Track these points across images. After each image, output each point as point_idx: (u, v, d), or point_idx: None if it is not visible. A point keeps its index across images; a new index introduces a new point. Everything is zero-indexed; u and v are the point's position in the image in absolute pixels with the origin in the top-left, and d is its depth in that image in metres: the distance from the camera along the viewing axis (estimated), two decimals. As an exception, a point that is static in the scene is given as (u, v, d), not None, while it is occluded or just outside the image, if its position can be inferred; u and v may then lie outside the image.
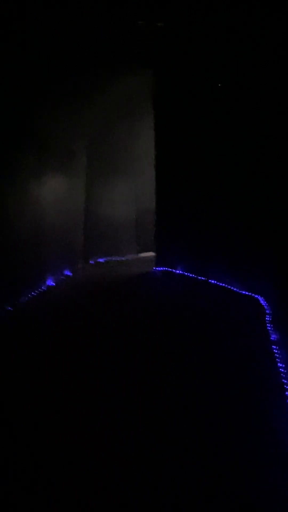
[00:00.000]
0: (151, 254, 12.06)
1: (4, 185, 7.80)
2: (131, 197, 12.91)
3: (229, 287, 8.76)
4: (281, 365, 5.16)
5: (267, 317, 6.78)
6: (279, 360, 5.29)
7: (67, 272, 10.80)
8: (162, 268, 10.86)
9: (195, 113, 9.88)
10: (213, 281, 9.34)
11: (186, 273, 10.21)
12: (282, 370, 5.02)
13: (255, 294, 7.97)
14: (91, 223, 11.99)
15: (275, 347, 5.63)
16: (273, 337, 6.01)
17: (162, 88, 10.86)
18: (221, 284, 9.08)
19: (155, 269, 10.96)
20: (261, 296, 7.78)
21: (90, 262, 12.17)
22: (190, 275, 10.06)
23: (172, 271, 10.51)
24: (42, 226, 9.39)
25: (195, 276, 9.91)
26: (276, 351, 5.52)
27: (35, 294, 8.87)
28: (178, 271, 10.40)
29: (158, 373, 5.16)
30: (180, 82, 10.41)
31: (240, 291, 8.38)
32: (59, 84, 9.17)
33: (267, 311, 7.05)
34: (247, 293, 8.20)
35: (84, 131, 10.96)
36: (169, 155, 10.74)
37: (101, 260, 12.38)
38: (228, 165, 8.87)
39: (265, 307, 7.29)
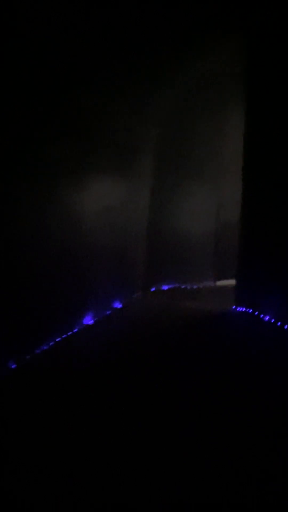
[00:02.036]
0: (232, 282, 9.13)
1: (15, 186, 5.47)
2: (211, 207, 10.07)
3: None
4: None
5: None
6: None
7: (117, 304, 8.30)
8: (243, 309, 7.89)
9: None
10: None
11: (282, 323, 7.17)
12: None
13: None
14: (156, 240, 9.38)
15: None
16: None
17: (258, 65, 7.92)
18: None
19: (235, 308, 8.03)
20: None
21: (151, 289, 9.57)
22: None
23: (260, 317, 7.49)
24: (83, 246, 6.98)
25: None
26: None
27: (58, 340, 6.48)
28: (268, 317, 7.37)
29: None
30: (285, 55, 7.41)
31: None
32: (109, 56, 6.65)
33: None
34: None
35: (150, 123, 8.36)
36: (263, 153, 7.74)
37: (165, 287, 9.72)
38: None
39: None
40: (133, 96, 7.54)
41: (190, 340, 6.51)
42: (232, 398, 4.46)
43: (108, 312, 7.92)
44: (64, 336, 6.55)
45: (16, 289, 5.48)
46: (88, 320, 7.30)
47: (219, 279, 10.17)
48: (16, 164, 5.35)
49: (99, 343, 6.47)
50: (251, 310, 7.72)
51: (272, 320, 7.15)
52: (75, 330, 6.90)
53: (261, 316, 7.38)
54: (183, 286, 9.83)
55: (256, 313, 7.53)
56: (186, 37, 7.54)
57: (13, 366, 5.42)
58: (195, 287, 9.91)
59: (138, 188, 8.44)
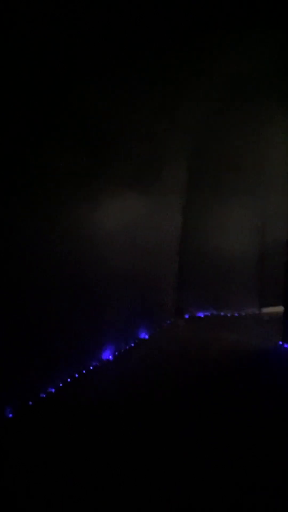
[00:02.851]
0: (280, 310, 7.89)
1: (12, 205, 4.62)
2: (254, 223, 8.87)
3: None
4: None
5: None
6: None
7: (144, 335, 7.27)
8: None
9: None
10: None
11: None
12: None
13: None
14: (190, 261, 8.29)
15: None
16: None
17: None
18: None
19: (282, 344, 6.77)
20: None
21: (185, 316, 8.45)
22: None
23: None
24: (98, 270, 6.04)
25: None
26: None
27: (69, 380, 5.51)
28: None
29: None
30: None
31: None
32: (125, 46, 5.66)
33: None
34: None
35: (181, 129, 7.36)
36: None
37: (200, 314, 8.57)
38: None
39: None
40: (158, 97, 6.58)
41: (226, 388, 5.34)
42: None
43: (132, 344, 6.91)
44: (75, 375, 5.59)
45: (13, 323, 4.61)
46: (107, 355, 6.32)
47: (264, 305, 8.90)
48: (10, 176, 4.51)
49: (111, 385, 5.45)
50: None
51: None
52: (91, 367, 5.92)
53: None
54: (221, 313, 8.64)
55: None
56: (222, 30, 6.53)
57: (10, 416, 4.52)
58: (235, 314, 8.69)
59: (167, 204, 7.43)
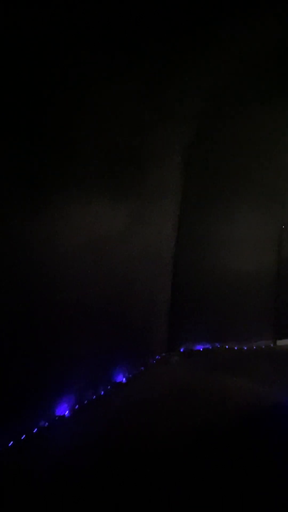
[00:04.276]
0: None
1: None
2: (270, 237, 7.21)
3: None
4: None
5: None
6: None
7: (121, 378, 5.76)
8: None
9: None
10: None
11: None
12: None
13: None
14: (187, 282, 6.72)
15: None
16: None
17: None
18: None
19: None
20: None
21: (180, 350, 6.88)
22: None
23: None
24: (53, 299, 4.59)
25: None
26: None
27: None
28: None
29: None
30: None
31: None
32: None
33: None
34: None
35: (174, 120, 5.79)
36: None
37: (199, 347, 6.96)
38: None
39: None
40: (145, 77, 5.07)
41: (219, 475, 3.74)
42: None
43: (102, 392, 5.41)
44: (9, 443, 4.14)
45: None
46: (63, 410, 4.85)
47: (280, 336, 7.23)
48: None
49: (50, 461, 3.95)
50: None
51: None
52: (35, 429, 4.46)
53: None
54: (226, 346, 7.02)
55: None
56: (222, 12, 4.99)
57: None
58: (244, 348, 7.05)
59: (154, 212, 5.87)
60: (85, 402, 5.12)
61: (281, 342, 7.23)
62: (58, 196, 4.56)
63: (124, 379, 5.74)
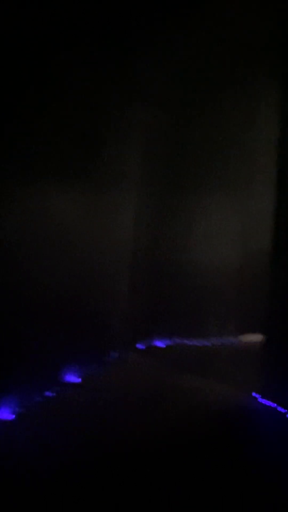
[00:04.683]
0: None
1: None
2: (234, 229, 6.95)
3: None
4: None
5: None
6: None
7: (71, 377, 5.39)
8: (272, 404, 4.70)
9: None
10: None
11: None
12: None
13: None
14: (147, 275, 6.41)
15: None
16: None
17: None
18: None
19: (258, 399, 4.86)
20: None
21: (139, 347, 6.56)
22: None
23: None
24: None
25: None
26: None
27: None
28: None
29: None
30: None
31: None
32: None
33: None
34: None
35: (133, 97, 5.43)
36: None
37: (160, 344, 6.66)
38: None
39: None
40: (105, 52, 4.67)
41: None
42: None
43: (50, 394, 5.03)
44: None
45: None
46: (3, 414, 4.45)
47: (245, 332, 6.99)
48: None
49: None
50: (284, 411, 4.54)
51: None
52: None
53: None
54: (189, 343, 6.74)
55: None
56: None
57: None
58: (207, 344, 6.78)
59: (112, 200, 5.49)
60: (30, 405, 4.74)
61: (245, 338, 6.99)
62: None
63: (76, 379, 5.37)
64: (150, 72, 5.14)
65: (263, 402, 4.79)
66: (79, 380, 5.33)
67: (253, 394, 4.91)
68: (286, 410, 4.49)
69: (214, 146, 6.41)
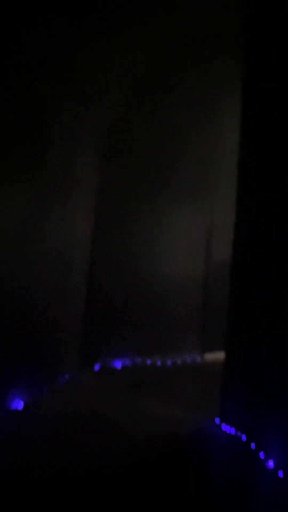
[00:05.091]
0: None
1: None
2: (197, 238, 6.58)
3: None
4: None
5: None
6: None
7: (16, 403, 4.78)
8: (231, 430, 4.25)
9: None
10: None
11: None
12: None
13: None
14: (104, 290, 5.91)
15: None
16: None
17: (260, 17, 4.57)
18: None
19: (219, 424, 4.41)
20: None
21: (95, 367, 6.01)
22: None
23: (259, 455, 3.80)
24: None
25: None
26: None
27: None
28: (271, 462, 3.71)
29: None
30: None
31: None
32: None
33: None
34: None
35: (87, 97, 4.98)
36: (267, 158, 4.31)
37: (118, 364, 6.13)
38: None
39: None
40: (49, 47, 4.21)
41: None
42: None
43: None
44: None
45: None
46: None
47: (209, 350, 6.57)
48: None
49: None
50: (244, 436, 4.10)
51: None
52: None
53: (261, 454, 3.77)
54: (148, 362, 6.24)
55: (253, 445, 3.91)
56: None
57: None
58: (168, 363, 6.31)
59: (62, 207, 4.97)
60: None
61: (209, 356, 6.57)
62: None
63: (20, 405, 4.76)
64: (104, 67, 4.70)
65: (224, 428, 4.34)
66: (22, 405, 4.74)
67: (216, 420, 4.46)
68: (246, 437, 4.06)
69: (175, 154, 6.03)
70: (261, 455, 3.75)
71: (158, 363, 6.26)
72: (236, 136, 4.93)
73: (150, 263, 6.20)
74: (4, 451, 3.94)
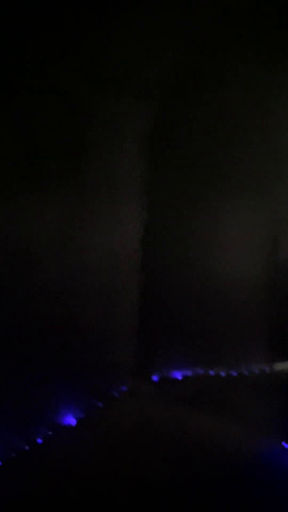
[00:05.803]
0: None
1: None
2: (261, 236, 5.98)
3: None
4: None
5: None
6: None
7: (68, 419, 4.57)
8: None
9: None
10: None
11: None
12: None
13: None
14: (160, 296, 5.54)
15: None
16: None
17: None
18: None
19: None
20: None
21: (153, 378, 5.66)
22: None
23: None
24: None
25: None
26: None
27: None
28: None
29: None
30: None
31: None
32: None
33: None
34: None
35: (130, 89, 4.61)
36: None
37: (177, 375, 5.73)
38: None
39: None
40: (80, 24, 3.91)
41: None
42: None
43: (40, 441, 4.22)
44: None
45: None
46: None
47: (278, 359, 5.96)
48: None
49: None
50: None
51: None
52: None
53: None
54: (211, 372, 5.77)
55: None
56: None
57: None
58: (233, 374, 5.79)
59: (104, 213, 4.66)
60: (14, 455, 3.96)
61: (280, 366, 5.95)
62: None
63: (72, 421, 4.55)
64: (143, 55, 4.29)
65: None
66: (76, 420, 4.51)
67: (283, 443, 3.92)
68: None
69: (231, 145, 5.49)
70: None
71: (222, 373, 5.77)
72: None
73: (209, 265, 5.71)
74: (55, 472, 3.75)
